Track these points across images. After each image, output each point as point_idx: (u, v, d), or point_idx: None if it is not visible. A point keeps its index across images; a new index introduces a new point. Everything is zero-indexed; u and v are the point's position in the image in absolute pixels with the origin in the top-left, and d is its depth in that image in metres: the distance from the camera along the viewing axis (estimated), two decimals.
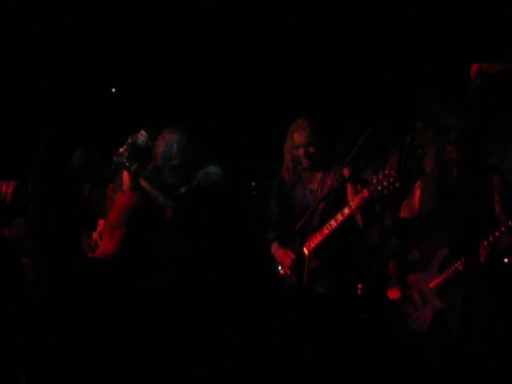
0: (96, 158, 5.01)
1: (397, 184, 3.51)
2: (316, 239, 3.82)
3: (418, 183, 3.85)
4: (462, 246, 3.54)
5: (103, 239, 2.48)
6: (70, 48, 5.48)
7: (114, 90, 5.14)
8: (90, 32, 5.47)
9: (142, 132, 3.94)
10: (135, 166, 3.80)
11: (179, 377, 2.30)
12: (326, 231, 3.80)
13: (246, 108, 5.44)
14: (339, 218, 3.75)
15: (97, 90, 5.52)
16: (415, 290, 3.77)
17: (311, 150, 3.97)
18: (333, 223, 3.78)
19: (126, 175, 4.02)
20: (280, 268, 4.02)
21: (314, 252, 3.80)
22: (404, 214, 3.85)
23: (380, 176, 3.53)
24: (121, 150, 3.86)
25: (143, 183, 3.94)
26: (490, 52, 4.32)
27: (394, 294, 3.86)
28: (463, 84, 4.07)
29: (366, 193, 3.62)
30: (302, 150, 3.97)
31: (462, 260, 3.54)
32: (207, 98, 5.41)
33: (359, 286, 3.95)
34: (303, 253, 3.83)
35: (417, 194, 3.82)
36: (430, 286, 3.68)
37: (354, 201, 3.69)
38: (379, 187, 3.53)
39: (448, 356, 3.62)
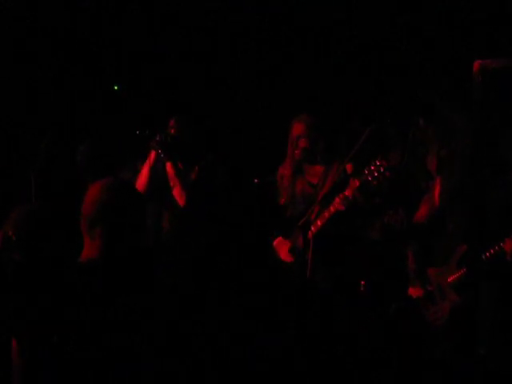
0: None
1: (387, 173, 3.55)
2: (311, 232, 3.84)
3: (439, 179, 3.86)
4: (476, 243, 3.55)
5: (85, 240, 2.26)
6: (70, 48, 5.47)
7: (116, 87, 5.13)
8: (90, 32, 5.46)
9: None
10: (166, 151, 4.07)
11: (179, 377, 2.27)
12: (319, 223, 3.83)
13: (246, 106, 5.44)
14: (331, 209, 3.77)
15: (97, 88, 5.51)
16: (434, 285, 3.76)
17: (302, 143, 4.01)
18: (325, 215, 3.80)
19: (151, 157, 4.14)
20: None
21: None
22: (424, 209, 3.85)
23: (372, 167, 3.58)
24: (159, 135, 4.12)
25: (169, 168, 4.09)
26: (490, 51, 4.32)
27: (416, 291, 3.86)
28: (466, 82, 4.08)
29: (356, 182, 3.65)
30: (302, 141, 4.02)
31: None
32: (208, 97, 5.40)
33: (361, 282, 3.95)
34: (306, 249, 3.82)
35: (437, 189, 3.82)
36: (449, 281, 3.68)
37: (346, 192, 3.72)
38: (369, 177, 3.57)
39: (456, 355, 3.61)
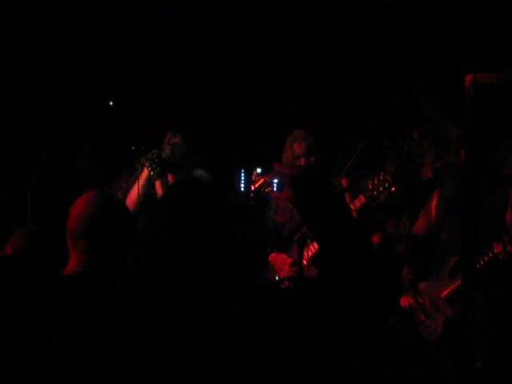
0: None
1: (392, 189, 3.54)
2: (314, 248, 3.84)
3: (436, 192, 3.86)
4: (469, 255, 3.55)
5: (70, 253, 2.22)
6: (68, 59, 5.46)
7: (111, 103, 5.14)
8: (88, 44, 5.46)
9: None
10: (158, 169, 4.08)
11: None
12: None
13: (243, 120, 5.45)
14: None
15: (94, 103, 5.51)
16: (426, 298, 3.77)
17: (312, 159, 4.01)
18: None
19: (144, 174, 4.15)
20: (278, 278, 4.03)
21: (313, 261, 3.81)
22: (421, 222, 3.86)
23: (375, 181, 3.57)
24: (152, 152, 4.14)
25: (158, 187, 4.09)
26: (486, 62, 4.34)
27: (405, 301, 3.86)
28: (459, 94, 4.10)
29: (362, 199, 3.65)
30: (303, 160, 4.01)
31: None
32: (203, 105, 5.42)
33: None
34: (302, 264, 3.84)
35: (434, 201, 3.82)
36: (442, 293, 3.68)
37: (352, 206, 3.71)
38: (375, 192, 3.57)
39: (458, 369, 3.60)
